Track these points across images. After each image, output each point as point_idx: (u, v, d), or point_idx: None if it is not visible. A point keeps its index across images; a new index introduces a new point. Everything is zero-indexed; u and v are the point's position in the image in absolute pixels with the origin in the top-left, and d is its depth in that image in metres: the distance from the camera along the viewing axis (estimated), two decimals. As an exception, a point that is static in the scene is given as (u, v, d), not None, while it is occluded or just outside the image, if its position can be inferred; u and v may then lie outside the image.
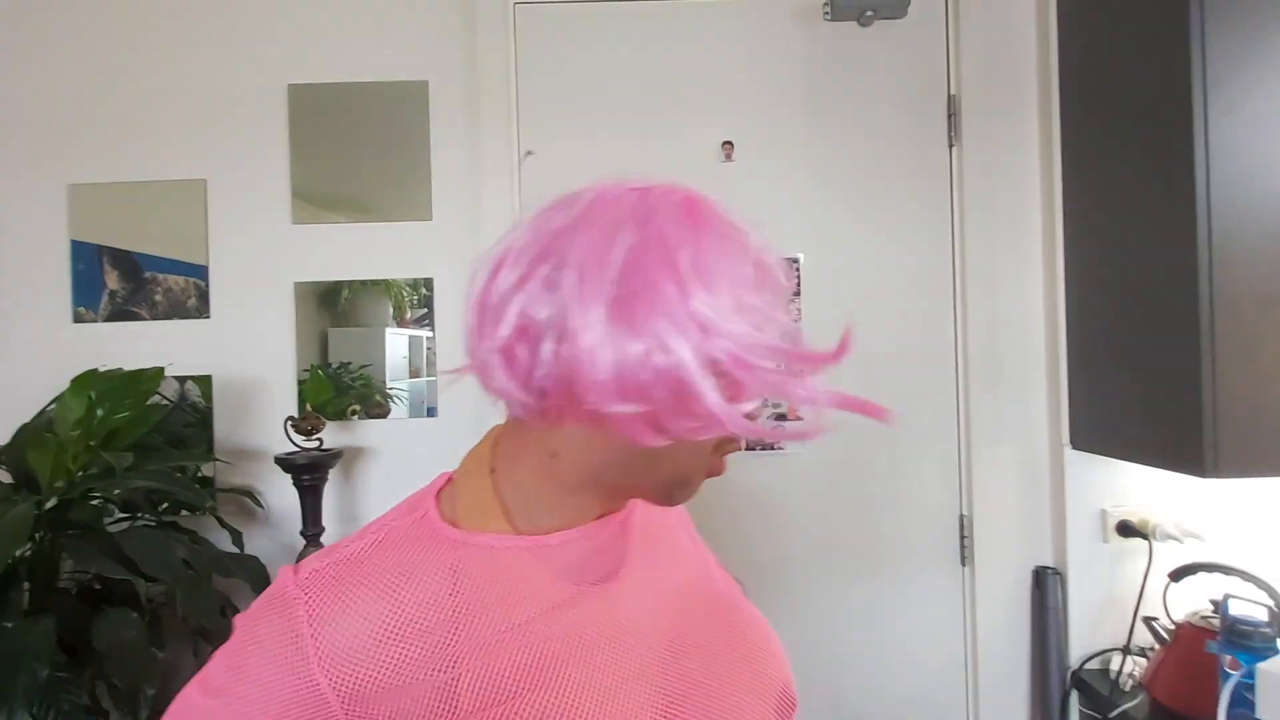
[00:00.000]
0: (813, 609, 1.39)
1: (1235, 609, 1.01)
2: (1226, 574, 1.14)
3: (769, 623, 0.55)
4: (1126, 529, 1.29)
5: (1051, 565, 1.35)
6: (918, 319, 1.41)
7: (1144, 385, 1.12)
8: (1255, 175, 0.98)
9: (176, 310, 1.42)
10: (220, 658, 0.44)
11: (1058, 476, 1.34)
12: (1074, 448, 1.31)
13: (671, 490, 0.47)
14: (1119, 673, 1.22)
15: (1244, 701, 0.96)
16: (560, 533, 0.46)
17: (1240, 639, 0.99)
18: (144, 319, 1.42)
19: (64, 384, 1.18)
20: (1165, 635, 1.17)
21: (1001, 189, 1.38)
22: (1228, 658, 0.99)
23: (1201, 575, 1.18)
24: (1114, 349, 1.20)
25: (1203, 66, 0.98)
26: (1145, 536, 1.26)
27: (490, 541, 0.44)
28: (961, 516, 1.39)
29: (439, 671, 0.40)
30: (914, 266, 1.41)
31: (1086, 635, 1.31)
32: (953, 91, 1.41)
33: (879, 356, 1.38)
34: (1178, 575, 1.17)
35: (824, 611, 1.39)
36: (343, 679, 0.39)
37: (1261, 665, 0.92)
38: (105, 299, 1.42)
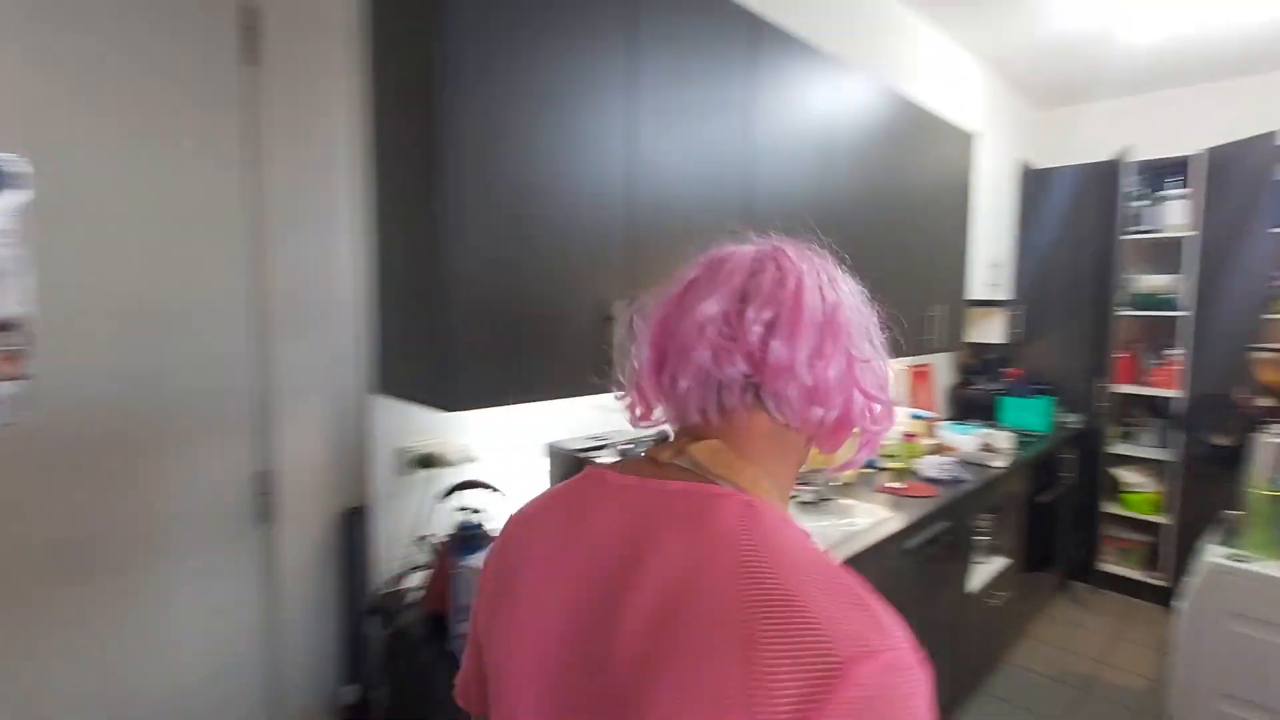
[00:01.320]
0: (49, 626, 1.09)
1: (460, 518, 1.23)
2: (483, 488, 1.39)
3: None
4: (424, 461, 1.45)
5: (360, 505, 1.42)
6: (205, 257, 1.23)
7: (414, 331, 1.24)
8: (491, 158, 1.15)
9: None
10: None
11: (367, 421, 1.40)
12: (372, 393, 1.38)
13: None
14: (409, 591, 1.38)
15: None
16: None
17: (466, 543, 1.21)
18: None
19: None
20: (438, 550, 1.37)
21: (310, 119, 1.32)
22: (456, 560, 1.19)
23: (470, 493, 1.41)
24: (398, 294, 1.29)
25: (446, 42, 1.08)
26: (436, 466, 1.45)
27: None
28: (262, 473, 1.32)
29: None
30: (199, 197, 1.22)
31: (388, 564, 1.43)
32: (251, 2, 1.25)
33: (154, 300, 1.16)
34: (444, 495, 1.37)
35: (71, 624, 1.11)
36: None
37: (464, 561, 1.14)
38: None
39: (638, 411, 0.60)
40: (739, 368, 0.52)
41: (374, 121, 1.32)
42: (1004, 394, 3.27)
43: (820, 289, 0.54)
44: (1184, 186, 3.41)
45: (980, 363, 3.49)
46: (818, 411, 0.54)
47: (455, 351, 1.12)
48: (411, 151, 1.18)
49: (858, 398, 0.55)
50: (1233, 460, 2.33)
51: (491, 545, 0.63)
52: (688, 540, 0.48)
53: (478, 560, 1.13)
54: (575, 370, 1.28)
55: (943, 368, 3.46)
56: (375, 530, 1.40)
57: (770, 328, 0.52)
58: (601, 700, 0.45)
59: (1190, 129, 3.42)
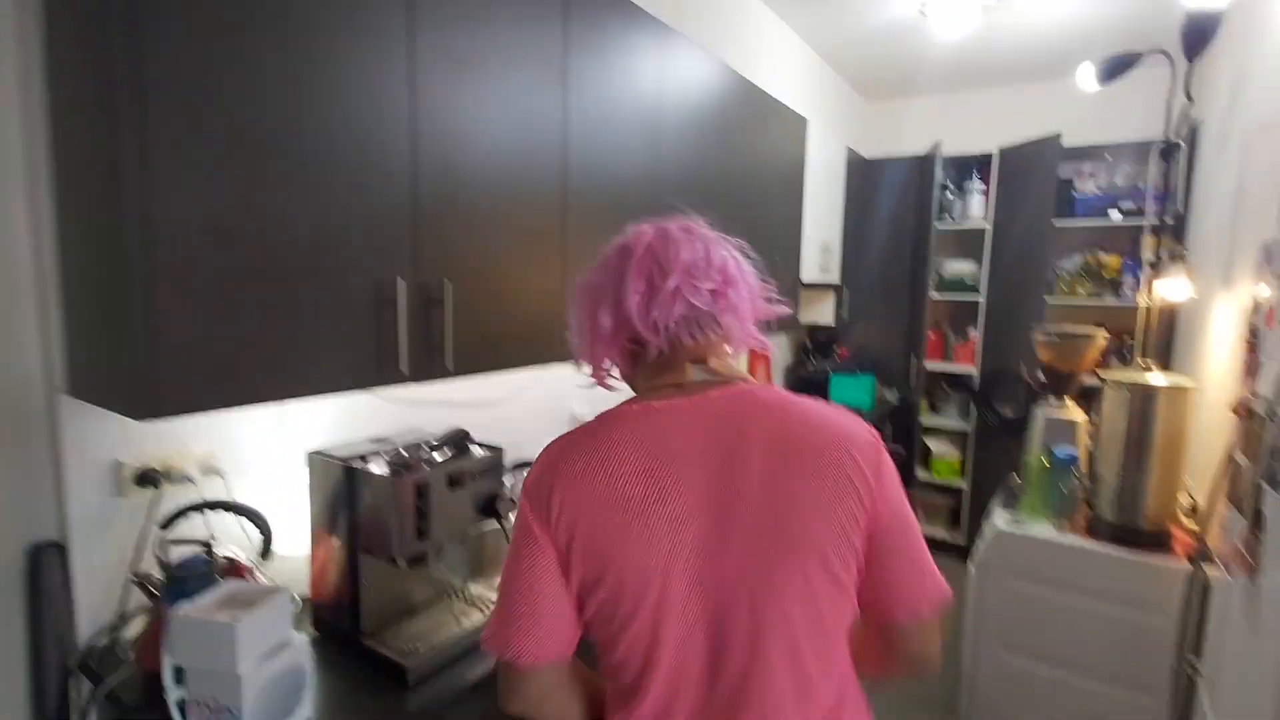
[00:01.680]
0: None
1: (176, 553, 0.98)
2: (228, 510, 1.14)
3: None
4: (147, 479, 1.16)
5: (55, 539, 1.11)
6: None
7: (104, 317, 0.96)
8: (212, 95, 0.89)
9: None
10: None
11: (58, 430, 1.09)
12: (74, 395, 1.07)
13: None
14: (126, 644, 1.10)
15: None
16: None
17: (184, 584, 0.96)
18: None
19: None
20: (158, 591, 1.10)
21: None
22: (169, 607, 0.95)
23: (218, 517, 1.15)
24: (87, 268, 1.00)
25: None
26: (166, 483, 1.16)
27: None
28: (-114, 510, 0.97)
29: None
30: None
31: (100, 609, 1.13)
32: None
33: None
34: (167, 523, 1.10)
35: None
36: None
37: (175, 610, 0.90)
38: None
39: (599, 362, 0.86)
40: (707, 303, 0.79)
41: (54, 43, 0.99)
42: (834, 372, 3.44)
43: (738, 250, 0.86)
44: (983, 182, 3.75)
45: (813, 343, 3.64)
46: (746, 330, 0.85)
47: (150, 343, 0.85)
48: (94, 81, 0.89)
49: (762, 315, 0.87)
50: (1018, 431, 2.59)
51: (548, 492, 0.74)
52: (764, 416, 0.74)
53: (201, 608, 0.89)
54: (346, 362, 1.07)
55: (781, 348, 3.57)
56: (78, 568, 1.10)
57: (723, 280, 0.81)
58: (756, 528, 0.70)
59: (992, 128, 3.77)
